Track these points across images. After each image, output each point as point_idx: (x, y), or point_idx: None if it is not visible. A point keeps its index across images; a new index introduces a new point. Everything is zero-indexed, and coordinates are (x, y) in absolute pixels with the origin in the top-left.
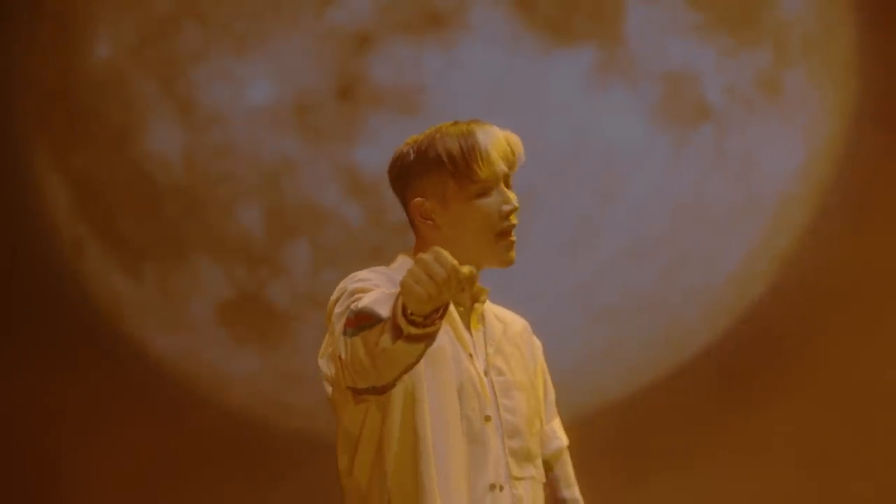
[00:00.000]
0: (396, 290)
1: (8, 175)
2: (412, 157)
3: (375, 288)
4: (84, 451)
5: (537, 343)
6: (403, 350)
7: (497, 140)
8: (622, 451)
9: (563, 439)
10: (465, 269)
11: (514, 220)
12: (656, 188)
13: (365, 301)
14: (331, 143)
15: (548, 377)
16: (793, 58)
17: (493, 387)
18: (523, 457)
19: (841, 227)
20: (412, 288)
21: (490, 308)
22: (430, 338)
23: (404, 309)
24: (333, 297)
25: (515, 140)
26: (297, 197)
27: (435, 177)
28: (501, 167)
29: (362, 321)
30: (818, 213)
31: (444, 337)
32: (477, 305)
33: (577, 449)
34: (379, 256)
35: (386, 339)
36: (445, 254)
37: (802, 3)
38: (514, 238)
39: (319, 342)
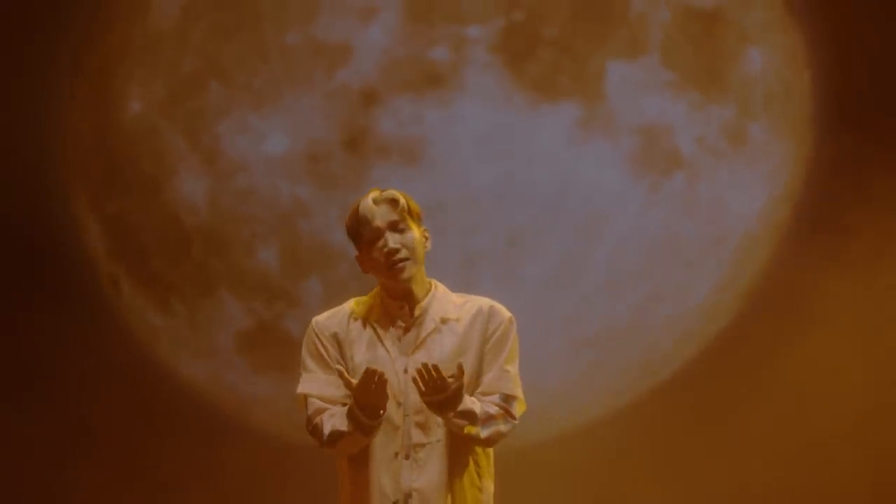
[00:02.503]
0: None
1: (50, 219)
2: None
3: (314, 361)
4: (118, 463)
5: (496, 321)
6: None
7: (370, 206)
8: (603, 467)
9: (485, 385)
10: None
11: (397, 255)
12: (633, 229)
13: (326, 427)
14: (340, 189)
15: (501, 345)
16: (755, 111)
17: (407, 379)
18: (428, 427)
19: (797, 265)
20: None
21: (439, 306)
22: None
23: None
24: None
25: (386, 197)
26: (310, 237)
27: (352, 239)
28: (378, 223)
29: (326, 440)
30: (777, 252)
31: (365, 353)
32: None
33: (562, 465)
34: None
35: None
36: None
37: (763, 61)
38: (401, 266)
39: None
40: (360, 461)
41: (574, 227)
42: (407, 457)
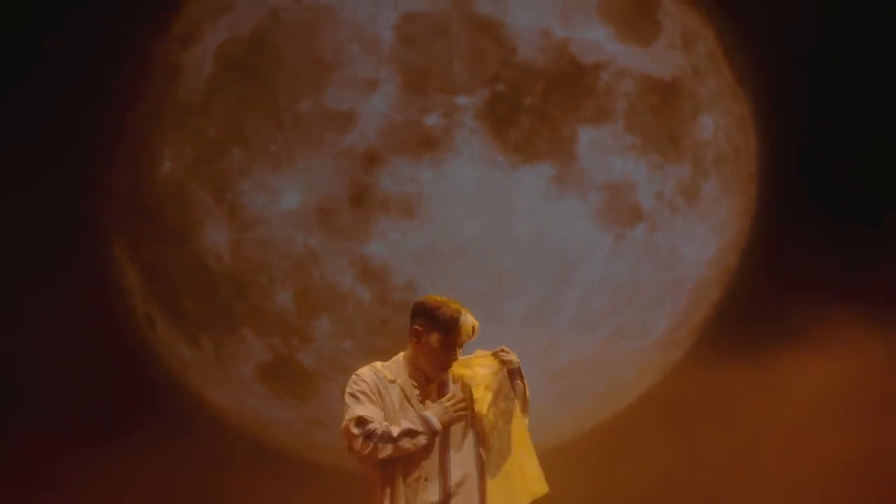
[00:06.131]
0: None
1: (93, 265)
2: (429, 307)
3: (365, 398)
4: (152, 482)
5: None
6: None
7: (469, 331)
8: (575, 480)
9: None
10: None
11: (452, 364)
12: (600, 274)
13: (394, 430)
14: (347, 239)
15: (516, 381)
16: (707, 171)
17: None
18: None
19: (744, 304)
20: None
21: (464, 369)
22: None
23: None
24: (347, 390)
25: (476, 329)
26: (321, 282)
27: (432, 323)
28: (462, 339)
29: (385, 438)
30: (726, 293)
31: (397, 407)
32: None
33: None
34: (385, 328)
35: (409, 442)
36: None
37: (715, 128)
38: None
39: (340, 397)
40: (394, 482)
41: (549, 271)
42: (426, 480)
